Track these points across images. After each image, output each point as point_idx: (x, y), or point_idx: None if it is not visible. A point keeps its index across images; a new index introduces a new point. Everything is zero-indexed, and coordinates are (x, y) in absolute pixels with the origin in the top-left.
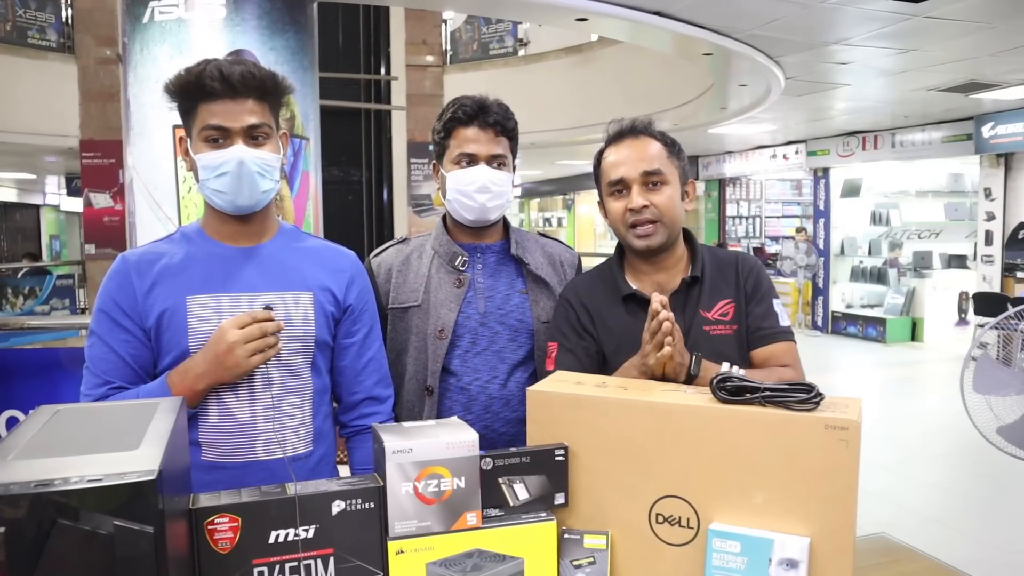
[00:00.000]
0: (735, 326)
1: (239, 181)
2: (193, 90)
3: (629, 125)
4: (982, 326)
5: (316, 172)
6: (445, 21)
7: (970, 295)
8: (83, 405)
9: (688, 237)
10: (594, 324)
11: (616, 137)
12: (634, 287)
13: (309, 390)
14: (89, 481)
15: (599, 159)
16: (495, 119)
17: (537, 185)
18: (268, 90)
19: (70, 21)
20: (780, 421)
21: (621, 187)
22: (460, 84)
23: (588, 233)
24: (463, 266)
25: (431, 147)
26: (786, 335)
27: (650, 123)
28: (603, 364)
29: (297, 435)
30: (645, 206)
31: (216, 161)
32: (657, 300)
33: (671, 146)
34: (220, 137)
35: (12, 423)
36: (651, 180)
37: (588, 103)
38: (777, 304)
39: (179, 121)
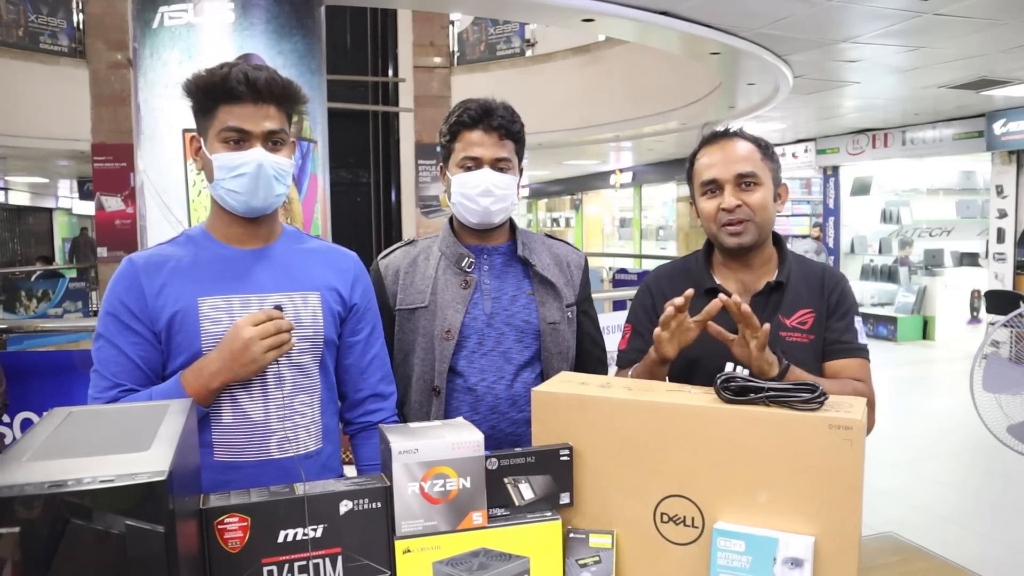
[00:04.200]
0: (812, 336)
1: (256, 183)
2: (217, 91)
3: (724, 129)
4: (994, 324)
5: (324, 174)
6: (452, 23)
7: (982, 293)
8: (95, 407)
9: (778, 241)
10: None
11: (710, 139)
12: (717, 282)
13: (318, 388)
14: (101, 482)
15: (692, 160)
16: (499, 122)
17: (545, 185)
18: (288, 98)
19: (81, 26)
20: (784, 421)
21: (714, 187)
22: (468, 85)
23: (596, 233)
24: (470, 267)
25: (438, 148)
26: (862, 352)
27: (742, 128)
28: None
29: (308, 433)
30: (738, 205)
31: (235, 162)
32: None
33: (764, 148)
34: (240, 139)
35: (27, 424)
36: (744, 181)
37: (596, 103)
38: (858, 321)
39: (189, 125)
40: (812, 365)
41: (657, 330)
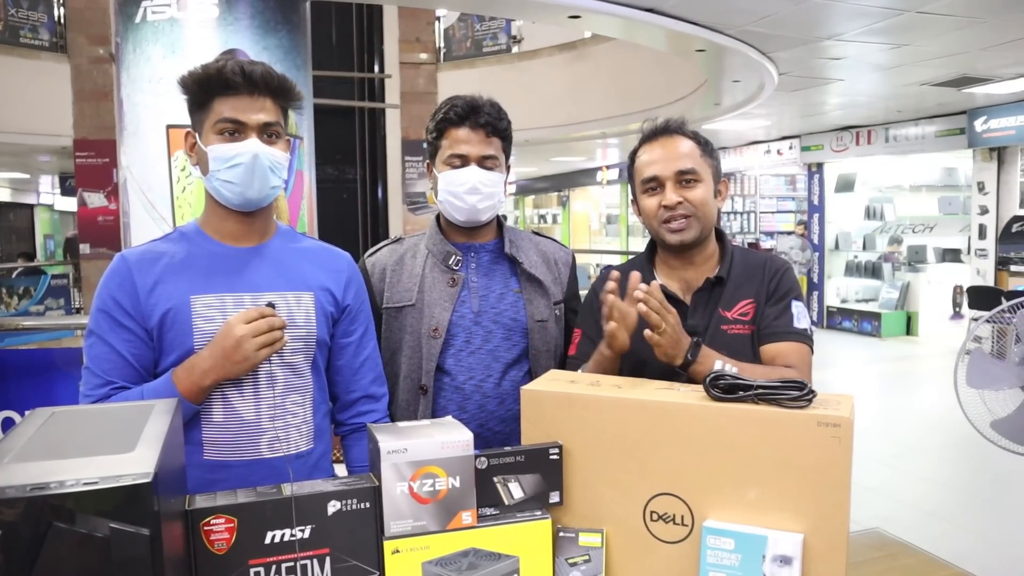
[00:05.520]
0: (753, 326)
1: (251, 174)
2: (213, 83)
3: (663, 124)
4: (976, 320)
5: (310, 171)
6: (438, 18)
7: (964, 289)
8: (79, 407)
9: (720, 237)
10: None
11: (650, 136)
12: (660, 282)
13: (310, 388)
14: (85, 484)
15: (633, 158)
16: (486, 120)
17: (532, 182)
18: (283, 92)
19: (63, 20)
20: (773, 419)
21: (655, 184)
22: (454, 81)
23: (583, 230)
24: (457, 265)
25: (425, 145)
26: (797, 335)
27: (683, 122)
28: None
29: (300, 433)
30: (679, 202)
31: (230, 152)
32: (641, 291)
33: (704, 145)
34: (235, 130)
35: (8, 423)
36: (685, 178)
37: (582, 100)
38: (796, 306)
39: (173, 121)
40: (755, 355)
41: (611, 324)
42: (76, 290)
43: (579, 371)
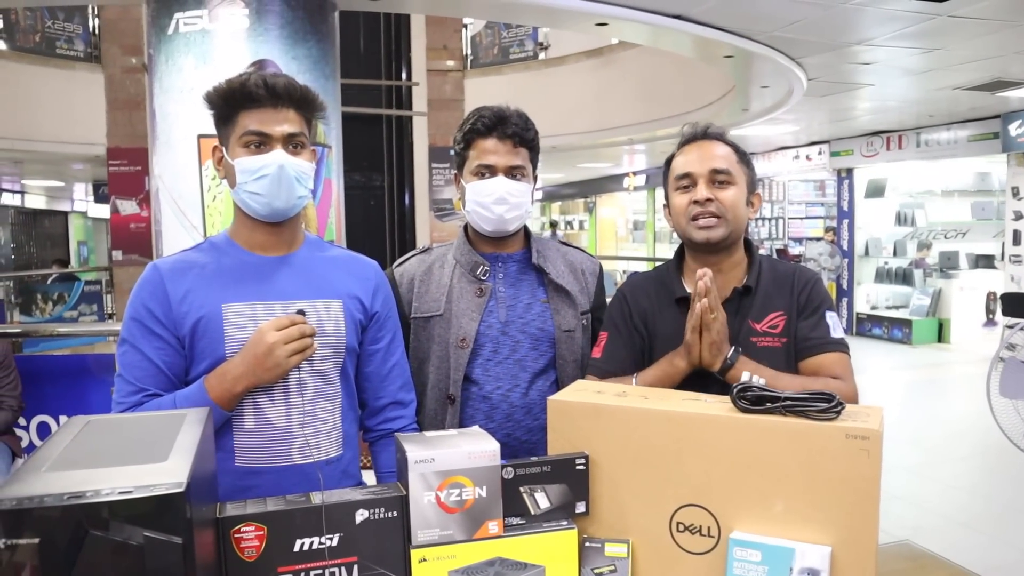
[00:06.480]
0: (784, 339)
1: (278, 184)
2: (238, 97)
3: (702, 130)
4: (1010, 327)
5: (338, 179)
6: (465, 26)
7: (998, 295)
8: (113, 416)
9: (748, 246)
10: (645, 323)
11: (688, 140)
12: (688, 290)
13: (339, 395)
14: (120, 493)
15: (669, 161)
16: (514, 130)
17: (558, 188)
18: (306, 103)
19: (97, 31)
20: (801, 430)
21: (688, 182)
22: (481, 88)
23: (610, 236)
24: (484, 275)
25: (452, 153)
26: (836, 345)
27: (723, 131)
28: (651, 363)
29: (330, 439)
30: (710, 199)
31: (256, 164)
32: (701, 272)
33: (741, 154)
34: (260, 142)
35: (43, 427)
36: (718, 178)
37: (609, 106)
38: (831, 316)
39: (204, 131)
40: (786, 369)
41: (692, 336)
42: (109, 296)
43: (633, 378)
